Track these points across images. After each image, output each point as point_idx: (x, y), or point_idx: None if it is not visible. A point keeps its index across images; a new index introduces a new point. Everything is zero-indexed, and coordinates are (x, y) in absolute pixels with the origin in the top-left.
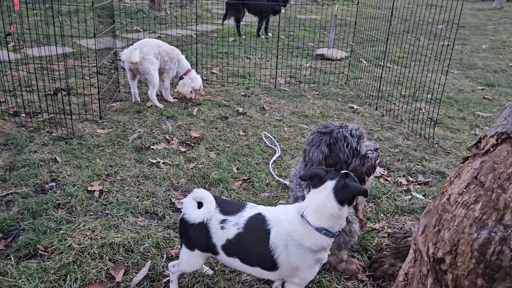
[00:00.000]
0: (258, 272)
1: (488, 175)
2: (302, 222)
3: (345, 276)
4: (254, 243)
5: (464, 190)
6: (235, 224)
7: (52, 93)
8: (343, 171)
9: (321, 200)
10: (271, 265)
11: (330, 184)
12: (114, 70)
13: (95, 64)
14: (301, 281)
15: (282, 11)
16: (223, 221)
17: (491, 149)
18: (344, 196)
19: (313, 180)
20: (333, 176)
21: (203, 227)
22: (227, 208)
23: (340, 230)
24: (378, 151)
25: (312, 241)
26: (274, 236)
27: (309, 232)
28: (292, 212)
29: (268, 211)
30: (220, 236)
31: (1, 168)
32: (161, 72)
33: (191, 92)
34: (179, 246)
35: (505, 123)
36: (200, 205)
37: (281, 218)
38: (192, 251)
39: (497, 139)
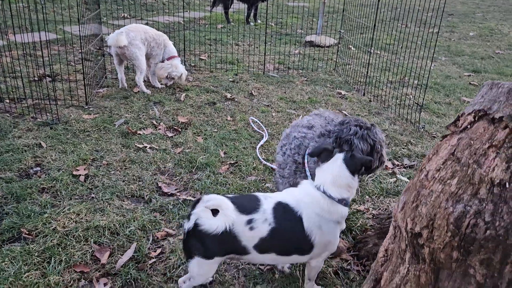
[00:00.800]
0: (293, 259)
1: (464, 151)
2: (326, 199)
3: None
4: (291, 234)
5: (442, 166)
6: (265, 221)
7: (37, 79)
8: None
9: (336, 172)
10: (308, 248)
11: (340, 156)
12: (101, 56)
13: (80, 50)
14: (328, 253)
15: None
16: (249, 222)
17: (469, 126)
18: (354, 166)
19: (323, 155)
20: (340, 150)
21: (227, 234)
22: (244, 205)
23: None
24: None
25: (339, 214)
26: (307, 221)
27: (335, 207)
28: (313, 191)
29: (287, 198)
30: (251, 237)
31: None
32: (148, 57)
33: (167, 77)
34: (185, 260)
35: (482, 101)
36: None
37: (305, 201)
38: (210, 260)
39: (474, 116)
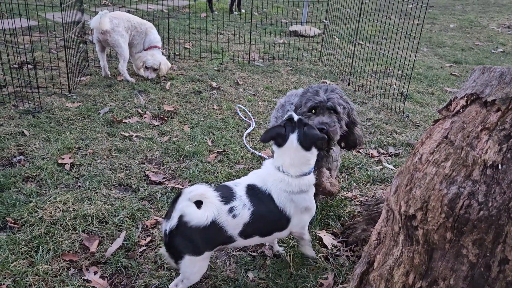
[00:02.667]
0: (275, 236)
1: (458, 134)
2: (289, 177)
3: (330, 195)
4: (268, 213)
5: (435, 149)
6: (244, 206)
7: (17, 66)
8: (295, 118)
9: (293, 155)
10: (286, 222)
11: (294, 138)
12: (83, 44)
13: (61, 38)
14: (309, 217)
15: None
16: (231, 210)
17: (461, 110)
18: (308, 144)
19: (278, 140)
20: (292, 128)
21: (213, 225)
22: (222, 194)
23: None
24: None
25: (305, 185)
26: (277, 198)
27: (299, 181)
28: (275, 172)
29: (254, 180)
30: (235, 224)
31: None
32: (130, 45)
33: (143, 66)
34: (175, 266)
35: (474, 85)
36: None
37: (271, 180)
38: (201, 255)
39: (466, 100)
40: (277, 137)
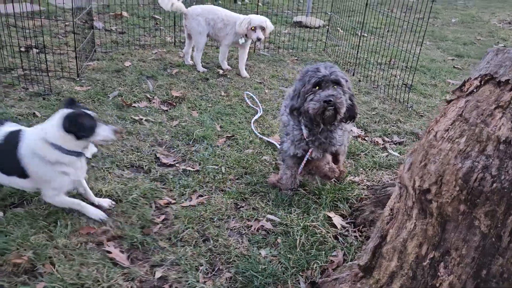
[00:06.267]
0: (16, 181)
1: (472, 112)
2: (44, 140)
3: (327, 179)
4: (7, 154)
5: (450, 126)
6: None
7: (23, 50)
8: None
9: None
10: (23, 173)
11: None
12: (89, 29)
13: (67, 23)
14: (51, 191)
15: None
16: None
17: (475, 90)
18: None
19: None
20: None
21: None
22: None
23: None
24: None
25: (50, 155)
26: (23, 149)
27: (47, 148)
28: (39, 132)
29: (26, 130)
30: None
31: None
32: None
33: (248, 27)
34: None
35: (488, 66)
36: None
37: (31, 135)
38: None
39: (480, 80)
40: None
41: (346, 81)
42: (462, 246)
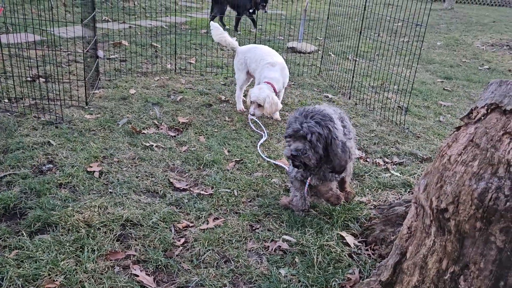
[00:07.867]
0: None
1: (482, 138)
2: None
3: (331, 204)
4: None
5: (463, 151)
6: None
7: (30, 79)
8: None
9: None
10: None
11: None
12: (94, 58)
13: (69, 52)
14: None
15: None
16: None
17: (482, 117)
18: None
19: None
20: None
21: None
22: None
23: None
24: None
25: None
26: None
27: None
28: None
29: None
30: None
31: None
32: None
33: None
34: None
35: (493, 96)
36: None
37: None
38: None
39: (487, 109)
40: None
41: (320, 134)
42: (480, 260)
